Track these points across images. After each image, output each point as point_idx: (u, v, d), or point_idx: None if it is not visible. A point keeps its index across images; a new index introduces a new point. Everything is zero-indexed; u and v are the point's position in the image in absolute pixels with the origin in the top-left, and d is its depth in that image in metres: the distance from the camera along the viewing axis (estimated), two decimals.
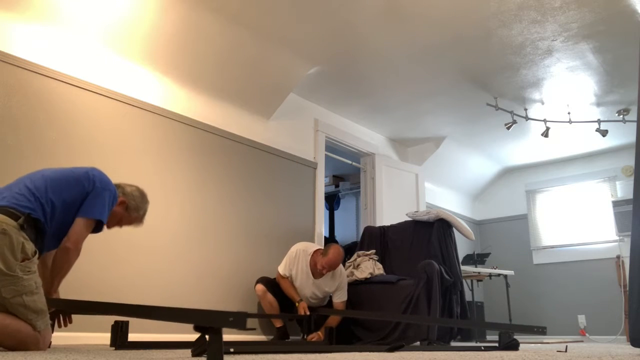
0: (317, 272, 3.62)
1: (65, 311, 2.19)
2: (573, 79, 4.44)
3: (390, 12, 3.48)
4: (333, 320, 3.60)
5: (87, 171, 2.17)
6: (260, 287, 3.63)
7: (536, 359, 1.81)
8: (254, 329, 1.64)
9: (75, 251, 2.07)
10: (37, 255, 1.94)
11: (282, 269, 3.68)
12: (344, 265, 3.95)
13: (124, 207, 2.33)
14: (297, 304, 3.59)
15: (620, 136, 5.71)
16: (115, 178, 3.23)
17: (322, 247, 3.74)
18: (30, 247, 1.90)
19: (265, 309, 3.67)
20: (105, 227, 2.24)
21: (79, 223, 2.08)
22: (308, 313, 3.53)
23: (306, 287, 3.66)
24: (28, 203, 1.95)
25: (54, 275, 2.09)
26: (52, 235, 2.06)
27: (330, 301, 3.80)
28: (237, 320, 1.35)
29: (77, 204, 2.09)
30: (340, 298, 3.73)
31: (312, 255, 3.66)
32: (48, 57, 3.04)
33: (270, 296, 3.61)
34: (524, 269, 6.58)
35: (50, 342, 1.98)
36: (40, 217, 1.96)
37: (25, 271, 1.86)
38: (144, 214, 2.42)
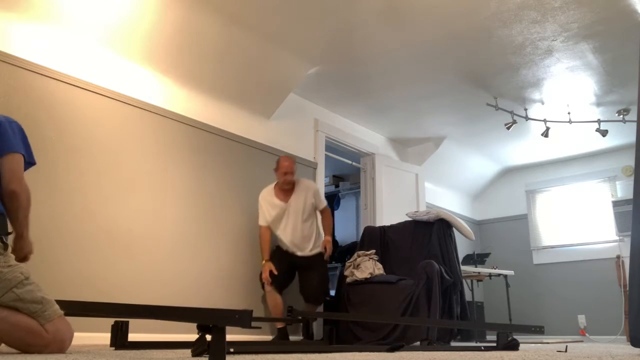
0: (284, 192, 3.83)
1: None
2: (573, 79, 4.44)
3: (390, 13, 3.48)
4: (329, 228, 3.90)
5: None
6: (271, 292, 3.70)
7: (536, 359, 1.81)
8: (259, 328, 1.63)
9: (23, 191, 1.88)
10: (8, 249, 1.83)
11: (260, 220, 3.81)
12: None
13: None
14: (263, 262, 3.69)
15: (620, 136, 5.71)
16: (115, 178, 3.25)
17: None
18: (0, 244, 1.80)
19: (269, 307, 3.71)
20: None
21: (9, 160, 1.87)
22: (275, 273, 3.61)
23: (289, 220, 3.79)
24: None
25: (14, 223, 1.91)
26: None
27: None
28: (243, 318, 1.35)
29: None
30: (322, 205, 3.95)
31: (275, 184, 3.88)
32: (48, 57, 3.04)
33: (277, 296, 3.67)
34: (524, 269, 6.59)
35: (71, 336, 1.83)
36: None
37: (5, 266, 1.76)
38: None
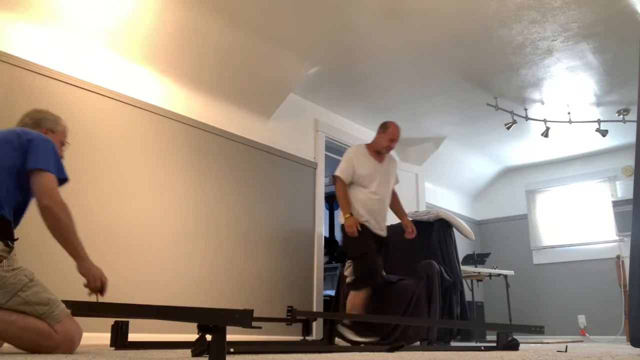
0: (377, 155, 3.75)
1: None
2: (573, 79, 4.44)
3: (390, 12, 3.48)
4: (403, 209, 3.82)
5: (16, 133, 1.93)
6: (366, 292, 3.54)
7: (536, 359, 1.81)
8: (259, 328, 1.63)
9: (58, 203, 1.83)
10: (12, 251, 1.79)
11: (342, 172, 3.64)
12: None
13: (51, 132, 2.11)
14: (346, 216, 3.52)
15: (620, 136, 5.71)
16: (115, 178, 3.25)
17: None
18: (1, 247, 1.76)
19: (359, 305, 3.54)
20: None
21: (41, 176, 1.84)
22: (359, 229, 3.48)
23: (382, 182, 3.68)
24: None
25: (63, 245, 1.87)
26: (16, 212, 1.90)
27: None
28: (243, 318, 1.35)
29: (17, 166, 1.85)
30: (396, 182, 3.94)
31: (368, 145, 3.79)
32: (48, 57, 3.04)
33: (364, 303, 3.53)
34: (524, 269, 6.59)
35: (80, 335, 1.82)
36: (4, 213, 1.81)
37: (9, 270, 1.74)
38: (63, 123, 2.20)
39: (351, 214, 3.55)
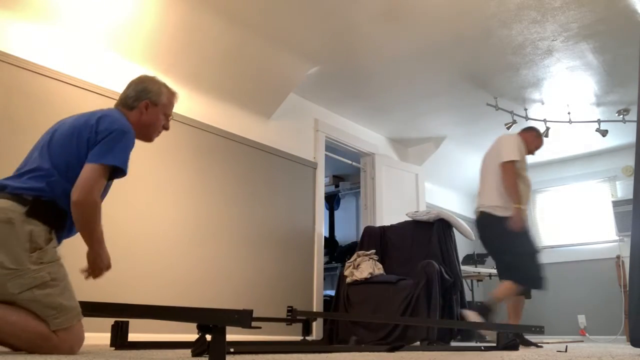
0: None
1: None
2: (573, 79, 4.44)
3: (390, 13, 3.48)
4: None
5: (88, 118, 1.84)
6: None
7: (536, 359, 1.82)
8: (259, 328, 1.63)
9: (86, 202, 1.71)
10: (52, 243, 1.73)
11: (516, 156, 3.40)
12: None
13: (152, 106, 2.00)
14: (519, 207, 3.29)
15: (620, 136, 5.71)
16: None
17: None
18: (42, 235, 1.70)
19: (518, 309, 3.45)
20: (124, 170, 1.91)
21: (86, 169, 1.73)
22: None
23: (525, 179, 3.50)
24: (36, 183, 1.72)
25: (84, 238, 1.81)
26: None
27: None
28: (243, 318, 1.35)
29: (82, 162, 1.76)
30: None
31: (521, 135, 3.68)
32: (48, 57, 3.04)
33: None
34: None
35: (81, 343, 1.74)
36: (54, 196, 1.73)
37: (36, 262, 1.66)
38: (167, 87, 2.08)
39: (521, 206, 3.28)
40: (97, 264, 1.88)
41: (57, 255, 1.76)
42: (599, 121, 5.13)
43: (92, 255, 1.87)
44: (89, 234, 1.80)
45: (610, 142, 5.93)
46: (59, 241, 1.84)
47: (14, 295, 1.62)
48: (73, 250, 2.10)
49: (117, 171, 1.81)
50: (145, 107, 1.98)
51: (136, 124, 1.95)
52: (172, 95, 2.10)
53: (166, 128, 2.09)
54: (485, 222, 3.50)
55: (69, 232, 1.88)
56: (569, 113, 5.07)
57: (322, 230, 4.73)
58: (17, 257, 1.63)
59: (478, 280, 5.56)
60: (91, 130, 1.79)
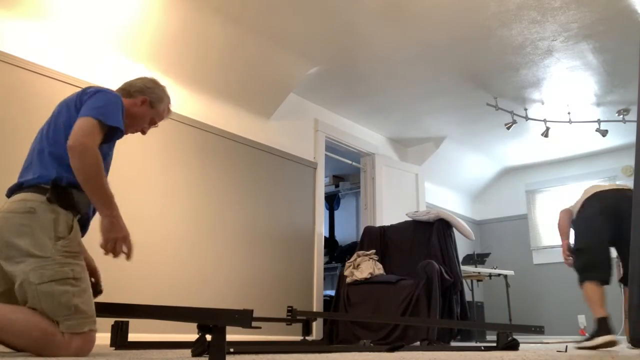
0: None
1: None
2: (573, 79, 4.44)
3: (390, 12, 3.48)
4: None
5: (77, 93, 1.82)
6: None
7: (536, 359, 1.81)
8: (259, 328, 1.63)
9: (81, 145, 1.61)
10: (74, 232, 1.67)
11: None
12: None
13: (148, 105, 1.98)
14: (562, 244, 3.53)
15: (620, 136, 5.70)
16: (115, 177, 3.23)
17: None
18: (64, 222, 1.64)
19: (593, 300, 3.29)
20: (129, 131, 1.93)
21: (77, 121, 1.67)
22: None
23: None
24: (48, 169, 1.68)
25: (91, 198, 1.69)
26: None
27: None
28: (243, 318, 1.35)
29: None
30: None
31: None
32: (48, 57, 3.04)
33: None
34: (524, 269, 6.58)
35: (88, 353, 1.63)
36: (70, 179, 1.67)
37: (62, 252, 1.60)
38: (169, 100, 2.07)
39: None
40: (114, 234, 1.72)
41: (82, 247, 1.72)
42: (599, 121, 5.13)
43: (104, 222, 1.71)
44: (94, 189, 1.66)
45: (610, 142, 5.93)
46: (83, 232, 1.78)
47: (31, 287, 1.55)
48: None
49: (113, 131, 1.74)
50: (142, 102, 1.96)
51: (126, 111, 1.89)
52: (168, 109, 2.09)
53: (143, 132, 2.06)
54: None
55: (88, 220, 1.80)
56: (569, 113, 5.07)
57: (322, 230, 4.73)
58: (43, 244, 1.59)
59: (478, 280, 5.56)
60: (78, 98, 1.78)
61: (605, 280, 3.24)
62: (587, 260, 3.28)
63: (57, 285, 1.56)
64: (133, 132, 2.03)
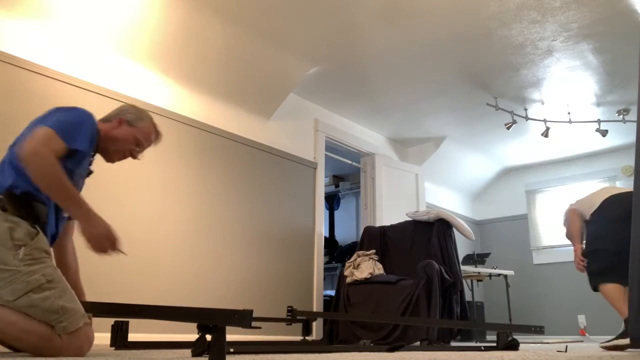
0: None
1: None
2: (573, 79, 4.44)
3: (390, 12, 3.48)
4: None
5: (51, 109, 1.81)
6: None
7: (536, 359, 1.81)
8: (259, 328, 1.62)
9: (32, 152, 1.57)
10: (39, 238, 1.63)
11: (572, 206, 3.44)
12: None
13: (126, 124, 1.94)
14: (574, 248, 3.35)
15: (620, 136, 5.71)
16: (114, 178, 3.24)
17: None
18: (22, 230, 1.59)
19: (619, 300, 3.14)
20: (112, 158, 1.93)
21: (33, 130, 1.64)
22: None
23: None
24: (8, 179, 1.64)
25: (59, 203, 1.68)
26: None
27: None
28: (243, 318, 1.35)
29: None
30: None
31: None
32: (48, 57, 3.04)
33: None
34: (524, 269, 6.59)
35: (90, 345, 1.63)
36: (28, 188, 1.63)
37: (27, 262, 1.56)
38: (152, 121, 2.02)
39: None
40: (94, 237, 1.66)
41: (48, 249, 1.66)
42: (599, 121, 5.13)
43: (80, 224, 1.66)
44: (55, 194, 1.62)
45: (610, 142, 5.93)
46: (52, 238, 1.74)
47: (9, 303, 1.52)
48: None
49: (73, 151, 1.68)
50: (118, 123, 1.93)
51: (105, 134, 1.89)
52: (154, 131, 2.03)
53: (134, 156, 2.00)
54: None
55: (58, 226, 1.76)
56: (569, 113, 5.07)
57: (322, 230, 4.73)
58: (4, 257, 1.54)
59: (478, 280, 5.56)
60: (48, 113, 1.77)
61: (626, 282, 3.17)
62: (609, 264, 3.15)
63: (34, 294, 1.54)
64: (122, 158, 2.00)
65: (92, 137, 1.79)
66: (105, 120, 1.96)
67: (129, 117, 1.96)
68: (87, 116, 1.79)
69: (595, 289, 3.21)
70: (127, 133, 1.94)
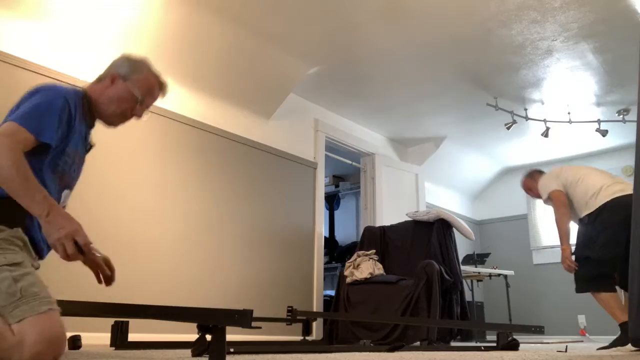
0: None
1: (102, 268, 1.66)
2: (573, 79, 4.44)
3: (390, 12, 3.48)
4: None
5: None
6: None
7: (536, 359, 1.81)
8: (259, 328, 1.62)
9: None
10: (11, 231, 1.41)
11: (556, 185, 3.26)
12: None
13: (120, 80, 1.70)
14: (563, 249, 3.17)
15: (620, 136, 5.70)
16: (115, 178, 3.24)
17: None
18: None
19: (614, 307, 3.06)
20: (116, 121, 1.70)
21: (2, 126, 1.44)
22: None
23: None
24: None
25: (15, 197, 1.38)
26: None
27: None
28: (243, 318, 1.35)
29: None
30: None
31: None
32: (49, 57, 3.04)
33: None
34: (524, 269, 6.58)
35: (56, 342, 1.27)
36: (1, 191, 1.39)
37: None
38: (150, 70, 1.81)
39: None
40: (54, 239, 1.37)
41: (23, 245, 1.43)
42: (599, 121, 5.13)
43: (42, 225, 1.39)
44: (14, 191, 1.36)
45: (610, 142, 5.93)
46: (45, 242, 1.50)
47: None
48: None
49: (42, 144, 1.47)
50: (111, 80, 1.70)
51: (99, 97, 1.68)
52: (156, 82, 1.80)
53: (137, 115, 1.75)
54: None
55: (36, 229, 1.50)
56: (569, 113, 5.07)
57: (322, 230, 4.73)
58: None
59: (478, 280, 5.56)
60: (20, 100, 1.55)
61: (623, 288, 3.03)
62: (598, 274, 3.08)
63: None
64: (123, 120, 1.75)
65: (64, 121, 1.54)
66: (99, 80, 1.73)
67: (123, 71, 1.72)
68: (55, 100, 1.52)
69: (580, 292, 3.16)
70: (122, 90, 1.70)
